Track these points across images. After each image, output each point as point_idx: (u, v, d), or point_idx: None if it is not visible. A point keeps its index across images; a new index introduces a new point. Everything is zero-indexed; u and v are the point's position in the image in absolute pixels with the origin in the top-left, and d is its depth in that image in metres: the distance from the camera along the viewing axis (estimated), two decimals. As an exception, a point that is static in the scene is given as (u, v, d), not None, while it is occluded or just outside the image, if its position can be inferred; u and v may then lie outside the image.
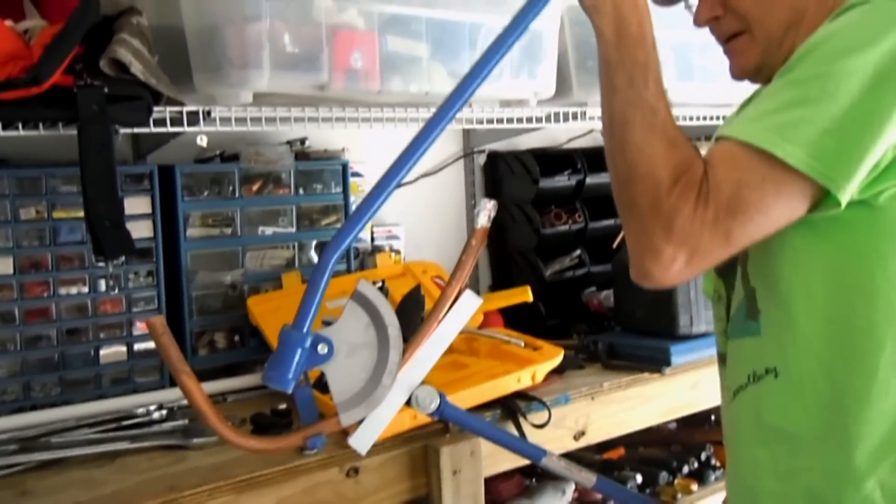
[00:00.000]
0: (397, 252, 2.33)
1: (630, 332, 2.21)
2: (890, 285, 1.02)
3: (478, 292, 2.56)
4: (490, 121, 2.10)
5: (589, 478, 1.50)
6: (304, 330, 1.19)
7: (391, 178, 1.23)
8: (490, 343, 2.01)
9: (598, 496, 2.05)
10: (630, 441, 2.25)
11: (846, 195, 0.98)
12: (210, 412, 1.21)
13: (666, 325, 2.10)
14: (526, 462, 1.80)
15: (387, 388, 1.24)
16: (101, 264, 1.81)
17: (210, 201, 1.99)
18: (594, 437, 1.93)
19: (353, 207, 2.21)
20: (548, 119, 2.20)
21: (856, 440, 1.04)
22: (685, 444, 2.37)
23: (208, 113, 1.69)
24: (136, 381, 1.89)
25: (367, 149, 2.34)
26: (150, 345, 1.90)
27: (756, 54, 1.17)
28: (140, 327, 1.89)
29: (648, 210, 1.03)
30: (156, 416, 1.74)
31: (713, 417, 2.30)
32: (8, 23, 1.49)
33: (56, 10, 1.58)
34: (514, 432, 1.72)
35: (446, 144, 2.56)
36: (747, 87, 1.24)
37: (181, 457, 1.57)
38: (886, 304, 1.02)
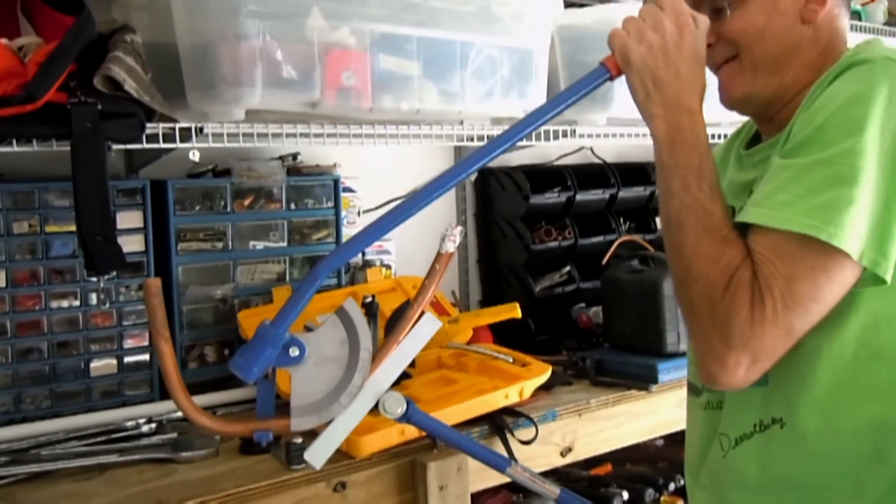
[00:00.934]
0: (388, 267, 2.35)
1: (618, 348, 2.22)
2: None
3: (468, 307, 2.60)
4: (481, 138, 2.12)
5: (552, 490, 1.53)
6: (281, 329, 1.22)
7: (406, 211, 1.27)
8: (479, 359, 2.02)
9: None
10: (617, 457, 2.26)
11: (889, 273, 1.00)
12: (176, 381, 1.26)
13: (654, 342, 2.11)
14: (512, 478, 1.82)
15: (342, 408, 1.27)
16: (94, 279, 1.82)
17: (202, 216, 2.00)
18: (581, 453, 1.94)
19: (345, 223, 2.23)
20: (538, 136, 2.21)
21: (867, 488, 1.07)
22: (672, 461, 2.39)
23: (200, 129, 1.71)
24: (125, 393, 1.90)
25: (360, 164, 2.37)
26: (141, 358, 1.92)
27: (743, 82, 1.19)
28: (131, 342, 1.91)
29: (706, 313, 1.04)
30: (145, 429, 1.75)
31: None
32: (3, 41, 1.51)
33: (51, 27, 1.60)
34: (502, 448, 1.74)
35: (437, 161, 2.58)
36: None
37: (170, 470, 1.58)
38: None
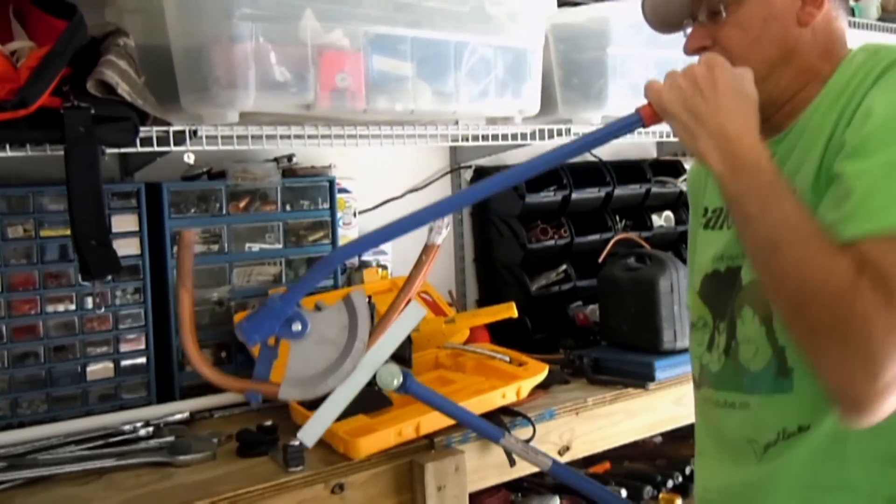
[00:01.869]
0: (384, 267, 2.35)
1: (615, 346, 2.23)
2: None
3: (465, 307, 2.60)
4: (476, 137, 2.12)
5: (545, 461, 1.56)
6: (286, 304, 1.29)
7: (424, 216, 1.27)
8: (476, 359, 2.02)
9: (584, 510, 2.07)
10: (615, 455, 2.27)
11: None
12: (188, 328, 1.33)
13: (650, 340, 2.12)
14: (511, 477, 1.82)
15: (328, 388, 1.33)
16: (88, 283, 1.82)
17: (197, 218, 2.00)
18: (579, 451, 1.95)
19: (341, 224, 2.22)
20: (533, 136, 2.22)
21: (881, 490, 1.08)
22: (670, 458, 2.39)
23: (195, 132, 1.71)
24: (122, 397, 1.90)
25: (355, 165, 2.36)
26: (138, 361, 1.92)
27: None
28: (127, 345, 1.90)
29: (835, 330, 0.94)
30: (142, 432, 1.75)
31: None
32: (-4, 45, 1.51)
33: (44, 32, 1.60)
34: (501, 448, 1.74)
35: (433, 160, 2.58)
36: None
37: (167, 474, 1.58)
38: None
